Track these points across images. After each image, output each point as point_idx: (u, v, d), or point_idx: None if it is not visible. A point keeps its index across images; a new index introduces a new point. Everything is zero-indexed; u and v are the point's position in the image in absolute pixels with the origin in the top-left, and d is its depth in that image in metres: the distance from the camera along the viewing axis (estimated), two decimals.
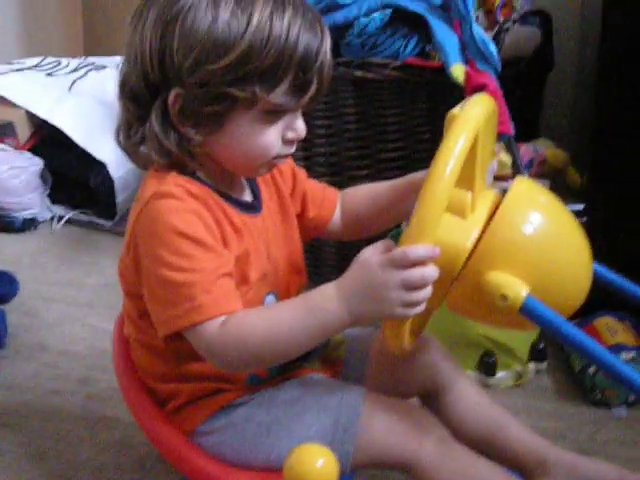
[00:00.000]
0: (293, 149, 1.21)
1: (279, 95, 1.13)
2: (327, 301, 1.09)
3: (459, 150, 1.03)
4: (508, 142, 1.94)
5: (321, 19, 1.17)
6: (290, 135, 1.18)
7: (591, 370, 1.89)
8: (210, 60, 1.10)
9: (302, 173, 1.41)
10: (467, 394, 1.38)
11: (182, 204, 1.13)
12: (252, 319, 1.12)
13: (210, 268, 1.12)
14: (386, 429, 1.20)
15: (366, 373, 1.38)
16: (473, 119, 1.07)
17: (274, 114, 1.15)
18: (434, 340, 1.39)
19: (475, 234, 1.10)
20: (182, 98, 1.13)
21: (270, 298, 1.27)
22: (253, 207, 1.27)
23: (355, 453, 1.20)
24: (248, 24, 1.10)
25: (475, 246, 1.10)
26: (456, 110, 1.10)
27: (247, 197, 1.28)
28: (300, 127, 1.19)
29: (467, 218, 1.11)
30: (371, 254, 1.08)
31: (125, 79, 1.18)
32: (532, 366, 2.01)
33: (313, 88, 1.16)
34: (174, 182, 1.15)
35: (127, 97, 1.18)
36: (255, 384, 1.25)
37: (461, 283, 1.11)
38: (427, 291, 1.05)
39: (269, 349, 1.12)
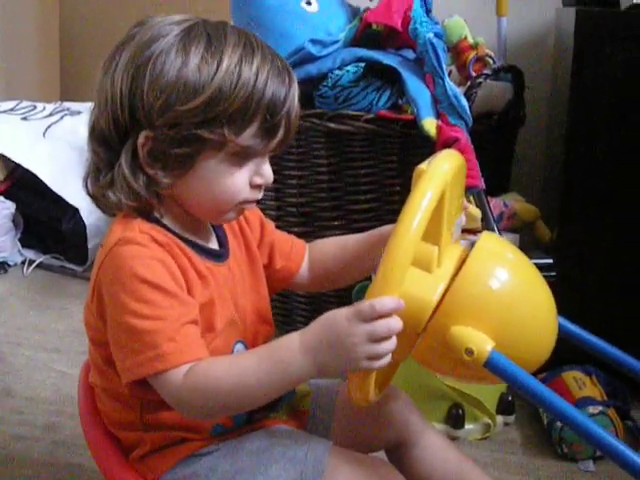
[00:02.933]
0: (260, 195, 1.22)
1: (247, 138, 1.14)
2: (292, 353, 1.09)
3: (425, 205, 1.03)
4: (478, 196, 1.96)
5: (289, 67, 1.19)
6: (258, 180, 1.19)
7: (558, 424, 1.89)
8: (180, 102, 1.11)
9: (270, 224, 1.41)
10: (434, 448, 1.37)
11: (146, 251, 1.13)
12: (217, 369, 1.11)
13: (174, 316, 1.11)
14: None
15: (331, 426, 1.37)
16: (440, 174, 1.08)
17: (242, 157, 1.16)
18: (401, 393, 1.39)
19: (441, 288, 1.11)
20: (151, 140, 1.14)
21: (239, 346, 1.26)
22: (219, 255, 1.27)
23: None
24: (218, 68, 1.11)
25: (441, 300, 1.10)
26: (424, 165, 1.11)
27: (213, 245, 1.28)
28: (267, 172, 1.20)
29: (433, 272, 1.11)
30: (339, 309, 1.08)
31: (95, 123, 1.18)
32: (500, 419, 2.01)
33: (281, 132, 1.17)
34: (139, 229, 1.15)
35: (96, 141, 1.18)
36: (220, 434, 1.25)
37: (427, 337, 1.11)
38: (391, 343, 1.05)
39: (235, 399, 1.11)
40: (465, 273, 1.11)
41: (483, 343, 1.07)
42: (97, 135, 1.18)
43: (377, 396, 1.14)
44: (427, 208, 1.04)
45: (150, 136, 1.13)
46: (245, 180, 1.18)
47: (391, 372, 1.23)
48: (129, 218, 1.18)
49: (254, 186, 1.19)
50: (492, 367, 1.08)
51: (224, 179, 1.16)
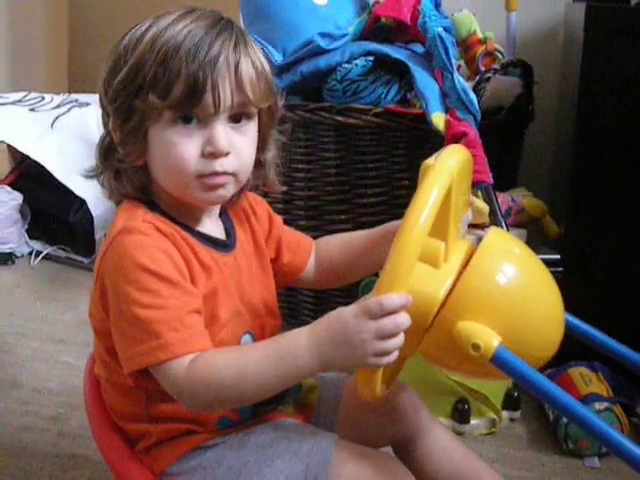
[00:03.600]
0: (219, 168, 1.17)
1: (176, 100, 1.12)
2: (298, 348, 1.08)
3: (433, 200, 1.03)
4: (486, 191, 1.95)
5: (246, 36, 1.18)
6: (208, 149, 1.15)
7: (564, 420, 1.89)
8: (113, 76, 1.14)
9: (278, 219, 1.41)
10: (441, 444, 1.37)
11: (149, 240, 1.13)
12: (221, 360, 1.11)
13: (177, 305, 1.11)
14: (355, 478, 1.19)
15: (337, 420, 1.37)
16: (447, 170, 1.07)
17: (182, 123, 1.14)
18: (407, 388, 1.39)
19: (448, 284, 1.11)
20: (113, 124, 1.17)
21: (247, 337, 1.26)
22: (225, 245, 1.27)
23: None
24: (145, 34, 1.13)
25: (448, 295, 1.10)
26: (430, 160, 1.11)
27: (219, 235, 1.28)
28: (217, 140, 1.15)
29: (440, 268, 1.11)
30: (346, 307, 1.08)
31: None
32: (506, 414, 2.01)
33: (208, 88, 1.12)
34: (142, 218, 1.16)
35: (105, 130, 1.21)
36: (226, 427, 1.25)
37: (434, 332, 1.11)
38: (399, 339, 1.05)
39: (237, 391, 1.11)
40: (472, 268, 1.11)
41: (490, 338, 1.07)
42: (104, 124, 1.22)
43: (384, 391, 1.14)
44: (434, 203, 1.04)
45: (112, 121, 1.17)
46: (194, 149, 1.15)
47: (398, 367, 1.23)
48: (133, 208, 1.18)
49: (206, 155, 1.15)
50: (498, 362, 1.08)
51: (173, 148, 1.14)
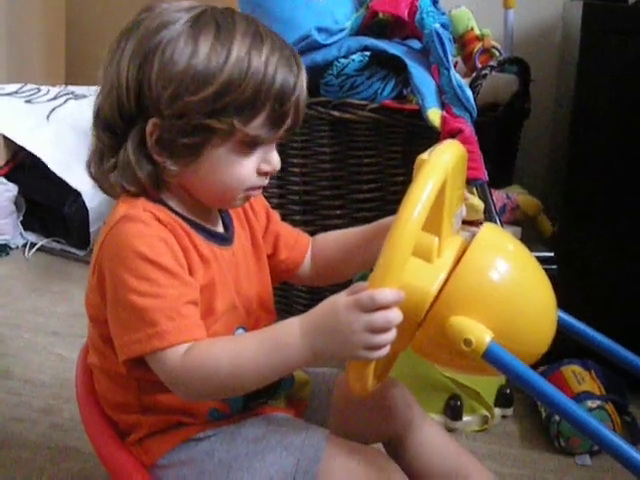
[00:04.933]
0: (266, 181, 1.22)
1: (256, 127, 1.14)
2: (291, 336, 1.09)
3: (427, 195, 1.03)
4: (481, 188, 1.95)
5: (297, 55, 1.19)
6: (265, 167, 1.19)
7: (556, 417, 1.89)
8: (189, 92, 1.11)
9: (276, 215, 1.41)
10: (433, 441, 1.37)
11: (149, 229, 1.13)
12: (215, 350, 1.11)
13: (174, 295, 1.12)
14: (346, 474, 1.19)
15: (329, 415, 1.37)
16: (442, 164, 1.07)
17: (250, 146, 1.16)
18: (400, 385, 1.39)
19: (441, 279, 1.11)
20: (159, 129, 1.13)
21: (240, 332, 1.26)
22: (224, 239, 1.27)
23: None
24: (227, 58, 1.11)
25: (440, 290, 1.10)
26: (425, 155, 1.11)
27: (219, 228, 1.28)
28: (275, 160, 1.20)
29: (433, 262, 1.11)
30: (339, 295, 1.08)
31: (99, 109, 1.18)
32: (498, 411, 2.01)
33: (289, 121, 1.17)
34: (143, 207, 1.15)
35: (101, 127, 1.18)
36: (217, 419, 1.25)
37: (426, 327, 1.11)
38: (391, 334, 1.05)
39: (231, 381, 1.12)
40: (465, 264, 1.11)
41: (482, 334, 1.07)
42: (101, 121, 1.18)
43: (375, 386, 1.14)
44: (428, 198, 1.03)
45: (158, 124, 1.13)
46: (252, 168, 1.18)
47: (390, 362, 1.23)
48: (133, 197, 1.18)
49: (261, 173, 1.20)
50: (490, 358, 1.08)
51: (232, 167, 1.16)
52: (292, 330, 1.09)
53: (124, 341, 1.13)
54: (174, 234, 1.16)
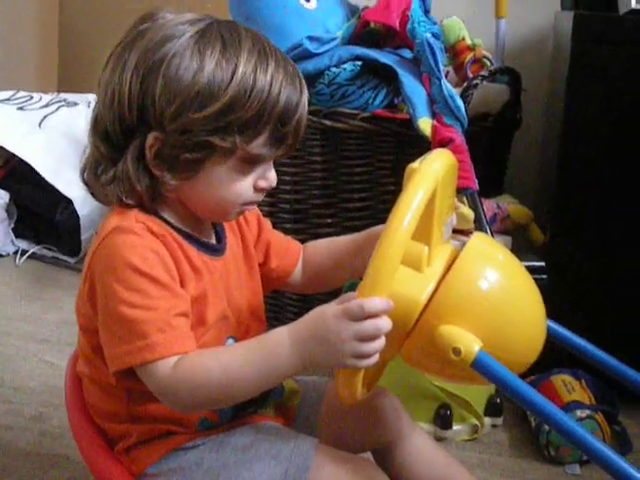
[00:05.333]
0: (262, 197, 1.23)
1: (258, 146, 1.14)
2: (280, 345, 1.09)
3: (416, 204, 1.03)
4: (472, 197, 1.96)
5: (299, 73, 1.19)
6: (262, 184, 1.20)
7: (546, 427, 1.89)
8: (193, 109, 1.11)
9: (267, 223, 1.41)
10: (421, 451, 1.37)
11: (141, 240, 1.13)
12: (205, 361, 1.12)
13: (165, 307, 1.12)
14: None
15: (317, 425, 1.37)
16: (432, 173, 1.08)
17: (250, 163, 1.16)
18: (389, 394, 1.39)
19: (430, 288, 1.11)
20: (160, 142, 1.13)
21: (230, 342, 1.26)
22: (216, 249, 1.27)
23: None
24: (233, 76, 1.11)
25: (430, 299, 1.10)
26: (415, 164, 1.11)
27: (211, 239, 1.28)
28: (272, 177, 1.21)
29: (423, 271, 1.11)
30: (329, 304, 1.09)
31: (98, 119, 1.18)
32: (488, 420, 2.01)
33: (290, 140, 1.18)
34: (135, 218, 1.15)
35: (99, 137, 1.18)
36: (206, 428, 1.24)
37: (415, 336, 1.11)
38: (380, 343, 1.05)
39: (222, 392, 1.12)
40: (455, 273, 1.11)
41: (471, 343, 1.08)
42: (100, 131, 1.17)
43: (365, 395, 1.14)
44: (418, 207, 1.04)
45: (159, 138, 1.13)
46: (250, 184, 1.19)
47: (379, 371, 1.23)
48: (126, 208, 1.17)
49: (257, 189, 1.20)
50: (479, 367, 1.08)
51: (230, 183, 1.17)
52: (281, 339, 1.10)
53: (114, 353, 1.13)
54: (166, 246, 1.16)
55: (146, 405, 1.21)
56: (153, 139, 1.13)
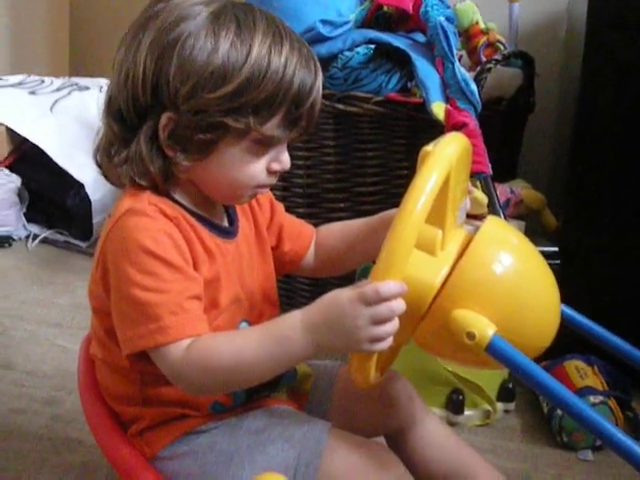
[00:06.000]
0: (275, 180, 1.22)
1: (271, 128, 1.14)
2: (293, 330, 1.09)
3: (430, 187, 1.03)
4: (485, 181, 1.95)
5: (314, 55, 1.19)
6: (275, 166, 1.19)
7: (559, 412, 1.89)
8: (207, 89, 1.10)
9: (280, 207, 1.41)
10: (434, 435, 1.36)
11: (154, 223, 1.13)
12: (218, 345, 1.11)
13: (177, 289, 1.11)
14: (347, 467, 1.19)
15: (330, 409, 1.37)
16: (446, 157, 1.07)
17: (263, 146, 1.16)
18: (402, 379, 1.39)
19: (444, 272, 1.10)
20: (174, 123, 1.13)
21: (244, 325, 1.26)
22: (228, 232, 1.27)
23: None
24: (248, 56, 1.11)
25: (444, 283, 1.10)
26: (429, 147, 1.10)
27: (224, 222, 1.28)
28: (285, 159, 1.20)
29: (437, 255, 1.11)
30: (342, 290, 1.08)
31: (112, 99, 1.17)
32: (500, 406, 2.01)
33: (304, 122, 1.17)
34: (148, 200, 1.15)
35: (113, 117, 1.17)
36: (219, 412, 1.24)
37: (429, 320, 1.10)
38: (393, 325, 1.04)
39: (234, 375, 1.12)
40: (469, 257, 1.10)
41: (485, 327, 1.07)
42: (114, 111, 1.17)
43: (378, 379, 1.14)
44: (432, 190, 1.03)
45: (173, 118, 1.13)
46: (263, 166, 1.18)
47: (392, 355, 1.22)
48: (139, 190, 1.17)
49: (271, 172, 1.19)
50: (493, 352, 1.07)
51: (243, 165, 1.16)
52: (294, 325, 1.09)
53: (127, 335, 1.13)
54: (179, 228, 1.15)
55: (159, 388, 1.21)
56: (167, 119, 1.13)
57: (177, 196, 1.20)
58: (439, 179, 1.04)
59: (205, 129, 1.13)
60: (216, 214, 1.26)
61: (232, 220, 1.30)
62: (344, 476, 1.19)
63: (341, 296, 1.07)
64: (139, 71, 1.13)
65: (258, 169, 1.17)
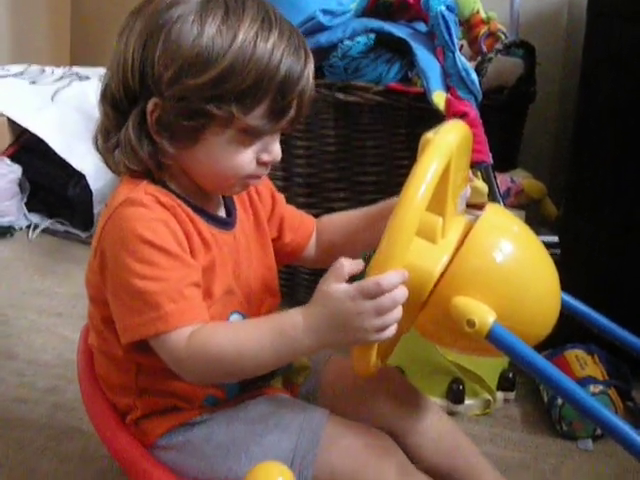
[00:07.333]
0: (267, 171, 1.21)
1: (256, 117, 1.13)
2: (296, 330, 1.08)
3: (431, 175, 1.03)
4: (486, 171, 1.95)
5: (306, 43, 1.17)
6: (265, 157, 1.18)
7: (559, 401, 1.89)
8: (190, 74, 1.10)
9: (281, 198, 1.41)
10: (433, 426, 1.34)
11: (150, 212, 1.13)
12: (220, 335, 1.11)
13: (176, 277, 1.12)
14: (345, 454, 1.19)
15: (317, 403, 1.35)
16: (447, 144, 1.07)
17: (250, 136, 1.15)
18: (396, 372, 1.38)
19: (445, 259, 1.10)
20: (160, 109, 1.13)
21: (235, 317, 1.26)
22: (225, 223, 1.27)
23: (314, 478, 1.18)
24: (232, 42, 1.10)
25: (444, 271, 1.10)
26: (430, 134, 1.10)
27: (221, 213, 1.28)
28: (275, 150, 1.19)
29: (437, 243, 1.11)
30: (337, 285, 1.07)
31: (107, 85, 1.18)
32: (500, 395, 2.01)
33: (292, 112, 1.16)
34: (145, 190, 1.15)
35: (107, 103, 1.18)
36: (212, 404, 1.25)
37: (429, 308, 1.11)
38: (397, 313, 1.04)
39: (236, 365, 1.12)
40: (469, 244, 1.11)
41: (485, 315, 1.07)
42: (108, 97, 1.18)
43: (379, 366, 1.14)
44: (432, 178, 1.03)
45: (159, 104, 1.13)
46: (251, 157, 1.17)
47: (393, 343, 1.23)
48: (135, 179, 1.17)
49: (261, 163, 1.19)
50: (493, 339, 1.07)
51: (230, 155, 1.16)
52: (296, 324, 1.09)
53: (127, 324, 1.13)
54: (175, 217, 1.15)
55: (154, 379, 1.21)
56: (153, 105, 1.13)
57: (173, 186, 1.20)
58: (440, 166, 1.04)
59: (189, 116, 1.12)
60: (212, 204, 1.26)
61: (230, 211, 1.29)
62: (343, 465, 1.19)
63: (340, 293, 1.06)
64: (129, 55, 1.14)
65: (246, 159, 1.17)
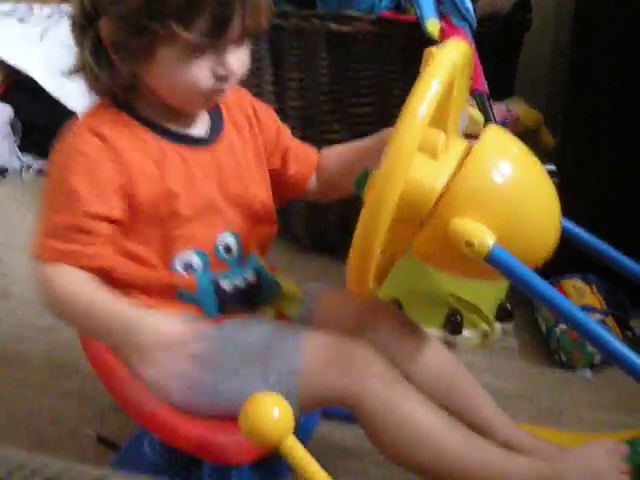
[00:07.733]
0: (228, 85, 1.20)
1: (197, 32, 1.12)
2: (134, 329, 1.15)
3: (435, 88, 1.00)
4: (481, 99, 1.93)
5: None
6: (220, 71, 1.17)
7: (557, 331, 1.89)
8: None
9: (286, 130, 1.41)
10: (433, 364, 1.32)
11: (86, 147, 1.16)
12: (81, 288, 1.16)
13: (68, 222, 1.15)
14: (326, 365, 1.18)
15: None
16: (450, 59, 1.04)
17: (197, 50, 1.14)
18: (395, 308, 1.38)
19: (445, 176, 1.08)
20: (109, 28, 1.14)
21: (226, 236, 1.26)
22: (198, 141, 1.27)
23: (299, 393, 1.17)
24: None
25: (444, 191, 1.08)
26: (434, 48, 1.09)
27: (197, 131, 1.28)
28: (230, 63, 1.17)
29: (438, 159, 1.09)
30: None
31: (71, 12, 1.20)
32: (498, 326, 2.01)
33: (236, 24, 1.14)
34: (90, 122, 1.19)
35: (74, 30, 1.20)
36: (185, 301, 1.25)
37: (428, 229, 1.09)
38: None
39: (82, 325, 1.20)
40: (469, 164, 1.09)
41: (484, 236, 1.06)
42: (73, 22, 1.19)
43: (375, 288, 1.13)
44: (437, 91, 1.00)
45: (108, 23, 1.14)
46: (205, 71, 1.17)
47: (389, 265, 1.21)
48: (98, 109, 1.22)
49: (217, 77, 1.18)
50: (493, 261, 1.06)
51: (183, 71, 1.15)
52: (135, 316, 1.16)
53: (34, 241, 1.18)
54: (116, 151, 1.17)
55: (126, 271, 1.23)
56: (103, 25, 1.14)
57: (140, 109, 1.22)
58: (443, 81, 1.01)
59: (135, 34, 1.13)
60: (184, 122, 1.26)
61: (214, 129, 1.29)
62: (325, 374, 1.18)
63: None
64: None
65: (198, 75, 1.16)
